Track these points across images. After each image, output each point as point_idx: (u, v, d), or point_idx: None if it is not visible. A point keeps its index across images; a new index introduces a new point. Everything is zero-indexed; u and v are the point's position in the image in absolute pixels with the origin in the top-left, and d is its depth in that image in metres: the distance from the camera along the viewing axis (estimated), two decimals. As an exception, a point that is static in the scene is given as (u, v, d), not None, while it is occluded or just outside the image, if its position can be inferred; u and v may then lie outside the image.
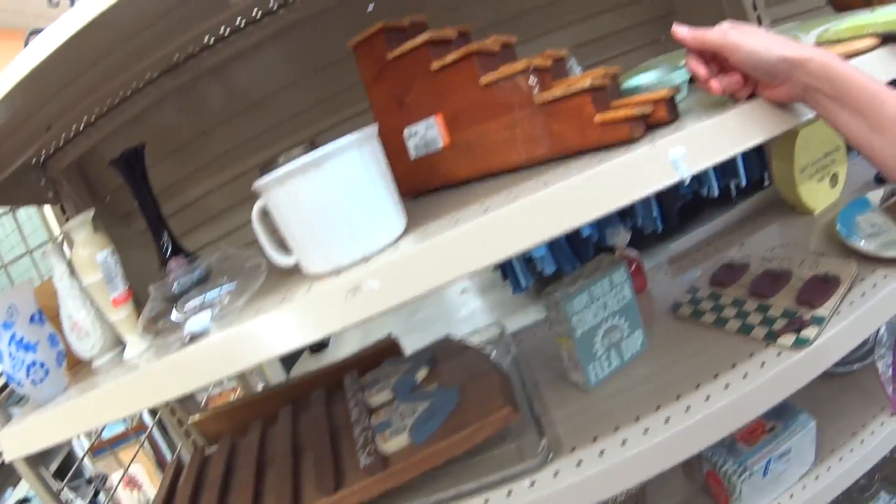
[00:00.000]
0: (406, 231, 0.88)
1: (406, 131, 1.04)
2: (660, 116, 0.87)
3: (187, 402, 1.57)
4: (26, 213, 2.33)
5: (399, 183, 0.95)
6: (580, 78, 0.87)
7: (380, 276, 0.78)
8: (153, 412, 1.83)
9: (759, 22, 1.50)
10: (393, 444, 1.06)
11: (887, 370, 1.31)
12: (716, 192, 2.29)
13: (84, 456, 2.23)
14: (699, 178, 2.68)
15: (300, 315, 0.80)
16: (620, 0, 1.63)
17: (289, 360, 2.50)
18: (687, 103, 1.02)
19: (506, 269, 1.83)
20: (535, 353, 1.40)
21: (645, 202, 2.55)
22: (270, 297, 0.88)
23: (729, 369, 1.07)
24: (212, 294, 0.89)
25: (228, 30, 1.33)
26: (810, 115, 0.90)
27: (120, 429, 2.44)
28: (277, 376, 2.34)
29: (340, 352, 2.04)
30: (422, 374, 1.25)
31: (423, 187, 1.07)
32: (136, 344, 1.00)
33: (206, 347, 0.82)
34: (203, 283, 0.93)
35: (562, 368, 1.22)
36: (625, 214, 1.71)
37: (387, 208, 0.85)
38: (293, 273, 0.93)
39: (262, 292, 0.94)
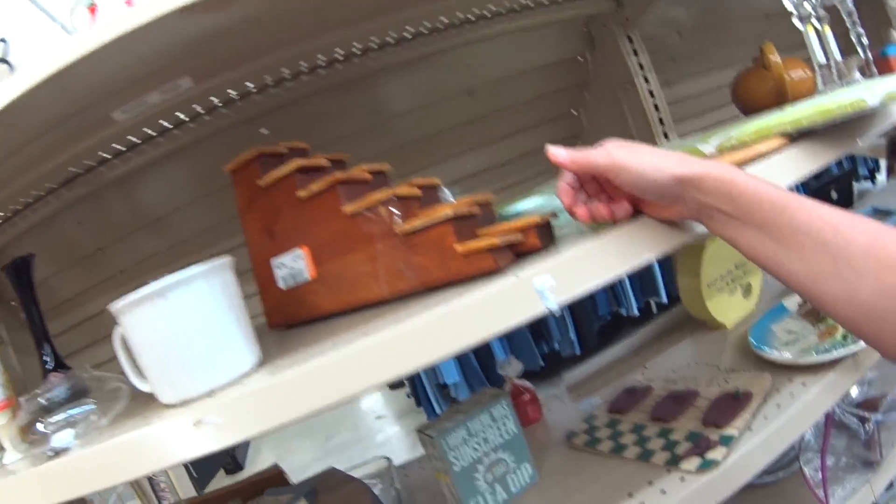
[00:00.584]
0: (261, 364, 0.83)
1: (273, 262, 0.98)
2: (532, 244, 0.83)
3: None
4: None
5: (270, 314, 0.97)
6: (443, 207, 0.82)
7: (223, 410, 0.73)
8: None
9: (667, 137, 1.48)
10: None
11: (816, 474, 1.27)
12: (635, 311, 2.28)
13: None
14: (617, 298, 2.69)
15: (149, 443, 0.75)
16: (528, 123, 1.62)
17: (203, 479, 2.42)
18: (572, 228, 0.97)
19: (419, 395, 1.77)
20: (422, 488, 1.33)
21: (561, 324, 2.54)
22: (133, 418, 0.84)
23: (624, 498, 1.00)
24: (75, 412, 0.88)
25: (121, 147, 1.31)
26: (701, 231, 0.85)
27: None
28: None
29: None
30: None
31: (294, 319, 1.01)
32: (12, 451, 0.95)
33: (69, 462, 0.78)
34: (73, 398, 0.92)
35: (446, 505, 1.16)
36: (539, 337, 1.66)
37: (236, 342, 0.81)
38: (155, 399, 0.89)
39: (129, 411, 0.90)
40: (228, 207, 1.41)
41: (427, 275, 0.82)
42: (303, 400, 0.72)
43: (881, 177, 4.13)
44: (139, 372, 0.84)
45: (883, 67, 1.33)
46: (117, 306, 0.78)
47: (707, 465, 1.00)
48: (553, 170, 0.84)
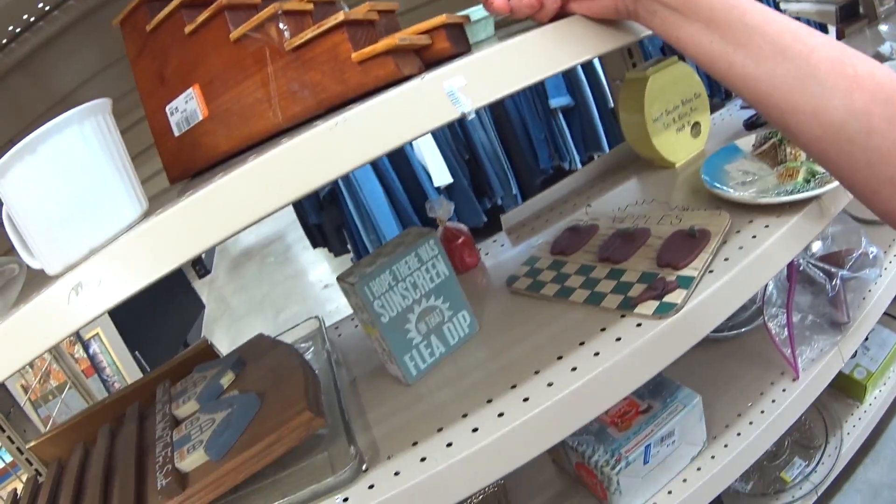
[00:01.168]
0: (147, 214, 0.74)
1: (168, 108, 0.89)
2: (441, 48, 0.74)
3: (26, 428, 1.45)
4: None
5: (169, 167, 0.91)
6: (335, 16, 0.72)
7: (102, 270, 0.66)
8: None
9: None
10: (190, 461, 0.92)
11: (782, 331, 1.22)
12: (578, 165, 2.21)
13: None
14: (559, 152, 2.66)
15: (30, 322, 0.68)
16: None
17: None
18: (494, 41, 0.88)
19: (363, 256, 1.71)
20: (355, 346, 1.26)
21: (502, 178, 2.53)
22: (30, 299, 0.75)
23: (576, 348, 0.93)
24: None
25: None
26: (636, 34, 0.78)
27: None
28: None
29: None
30: (228, 378, 1.11)
31: (192, 168, 0.93)
32: None
33: None
34: None
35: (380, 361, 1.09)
36: (481, 193, 1.58)
37: (115, 193, 0.72)
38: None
39: (25, 294, 0.81)
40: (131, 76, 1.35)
41: (323, 91, 0.73)
42: (186, 240, 0.66)
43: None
44: (28, 248, 0.76)
45: None
46: None
47: (665, 309, 0.93)
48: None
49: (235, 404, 0.98)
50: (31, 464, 1.41)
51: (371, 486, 0.85)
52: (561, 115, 2.58)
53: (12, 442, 1.43)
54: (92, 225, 0.70)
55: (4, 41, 1.24)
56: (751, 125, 1.44)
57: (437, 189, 2.62)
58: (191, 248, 0.65)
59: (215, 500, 0.88)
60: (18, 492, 1.26)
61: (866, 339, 1.53)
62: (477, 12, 0.88)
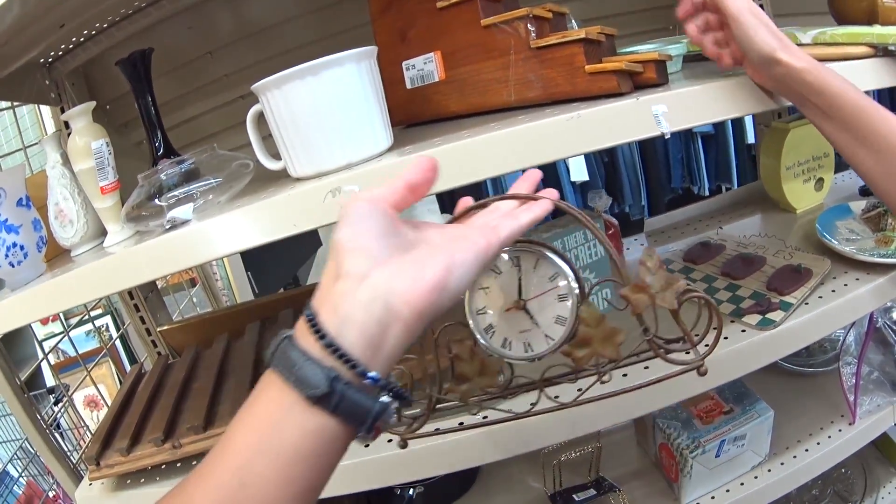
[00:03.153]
0: (391, 149, 0.91)
1: (405, 63, 1.06)
2: (649, 77, 0.90)
3: (158, 313, 1.58)
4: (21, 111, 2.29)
5: (393, 111, 0.98)
6: (576, 31, 0.89)
7: (360, 181, 0.81)
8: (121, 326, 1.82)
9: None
10: None
11: (851, 378, 1.33)
12: (707, 192, 2.31)
13: (39, 363, 2.22)
14: (691, 175, 2.73)
15: (280, 211, 0.83)
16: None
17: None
18: (680, 76, 1.05)
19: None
20: None
21: (635, 188, 2.60)
22: (254, 195, 0.90)
23: (674, 363, 1.08)
24: (196, 187, 0.92)
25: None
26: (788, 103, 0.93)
27: (92, 345, 2.45)
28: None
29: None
30: None
31: (416, 118, 1.10)
32: (117, 233, 1.02)
33: (184, 235, 0.85)
34: (190, 177, 0.95)
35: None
36: (612, 198, 1.73)
37: (375, 123, 0.88)
38: (280, 177, 0.95)
39: (247, 191, 0.96)
40: (333, 24, 1.48)
41: (554, 87, 0.91)
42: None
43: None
44: (267, 152, 0.92)
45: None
46: (266, 81, 0.84)
47: (766, 323, 1.09)
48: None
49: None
50: (155, 346, 1.56)
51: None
52: (700, 141, 2.66)
53: (143, 322, 1.56)
54: (352, 144, 0.87)
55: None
56: (865, 191, 1.56)
57: (573, 183, 2.66)
58: (435, 185, 0.80)
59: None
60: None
61: (923, 412, 1.65)
62: (674, 49, 1.05)
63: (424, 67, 1.03)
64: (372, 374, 0.49)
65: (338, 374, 0.48)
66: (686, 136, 2.59)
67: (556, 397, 0.80)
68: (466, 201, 0.71)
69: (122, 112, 1.51)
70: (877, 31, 0.99)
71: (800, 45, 1.02)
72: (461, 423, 0.90)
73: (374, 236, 0.53)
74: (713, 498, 1.25)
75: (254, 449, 0.49)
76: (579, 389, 0.78)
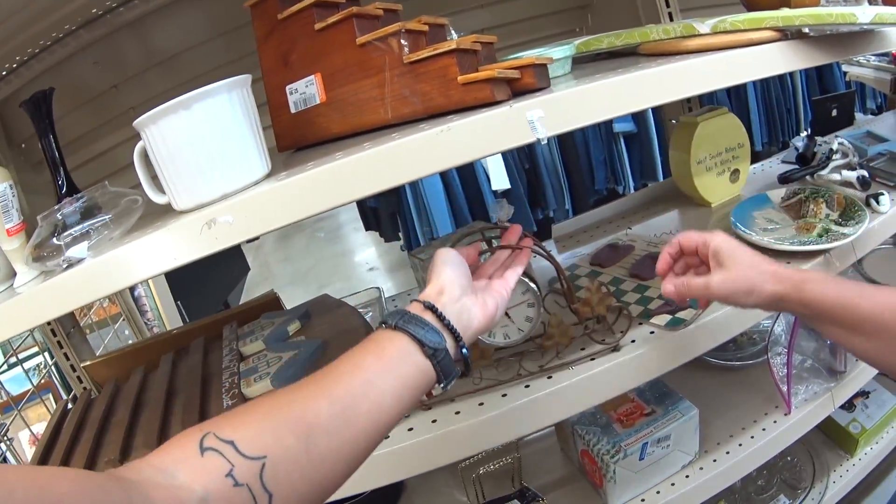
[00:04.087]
0: (270, 175, 0.90)
1: (288, 87, 1.04)
2: (528, 82, 0.89)
3: (82, 350, 1.57)
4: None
5: (280, 136, 1.06)
6: (448, 42, 0.88)
7: (234, 211, 0.80)
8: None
9: (671, 18, 1.51)
10: (256, 388, 1.08)
11: (782, 369, 1.34)
12: (631, 190, 2.31)
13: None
14: (615, 175, 2.76)
15: (163, 244, 0.82)
16: (539, -10, 1.64)
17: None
18: (569, 78, 1.04)
19: (413, 247, 1.84)
20: None
21: (557, 192, 2.61)
22: (144, 229, 0.89)
23: (594, 345, 1.09)
24: (90, 224, 0.92)
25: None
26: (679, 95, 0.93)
27: (26, 387, 2.41)
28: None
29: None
30: (294, 326, 1.27)
31: (302, 142, 1.09)
32: (24, 273, 1.01)
33: (82, 271, 0.85)
34: (87, 215, 0.95)
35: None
36: (536, 204, 1.72)
37: (249, 152, 0.87)
38: (168, 211, 0.94)
39: (138, 226, 0.96)
40: (239, 47, 1.47)
41: (430, 101, 0.89)
42: (307, 201, 0.80)
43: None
44: (155, 187, 0.91)
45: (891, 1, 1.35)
46: (143, 118, 0.83)
47: (676, 323, 1.09)
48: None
49: (302, 347, 1.14)
50: (80, 382, 1.55)
51: (410, 429, 1.02)
52: (623, 141, 2.68)
53: (67, 359, 1.55)
54: (227, 174, 0.85)
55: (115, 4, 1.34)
56: (785, 179, 1.55)
57: (494, 192, 2.70)
58: (309, 208, 0.80)
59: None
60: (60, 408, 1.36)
61: (867, 396, 1.66)
62: (558, 52, 1.04)
63: (306, 90, 1.02)
64: (465, 350, 0.79)
65: (445, 343, 0.75)
66: (608, 136, 2.62)
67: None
68: (477, 247, 0.97)
69: (35, 151, 1.49)
70: (782, 14, 0.98)
71: (698, 35, 1.01)
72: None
73: (463, 276, 0.84)
74: (643, 500, 1.24)
75: (379, 371, 0.70)
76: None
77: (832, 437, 1.65)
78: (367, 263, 5.17)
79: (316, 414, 0.64)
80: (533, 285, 1.02)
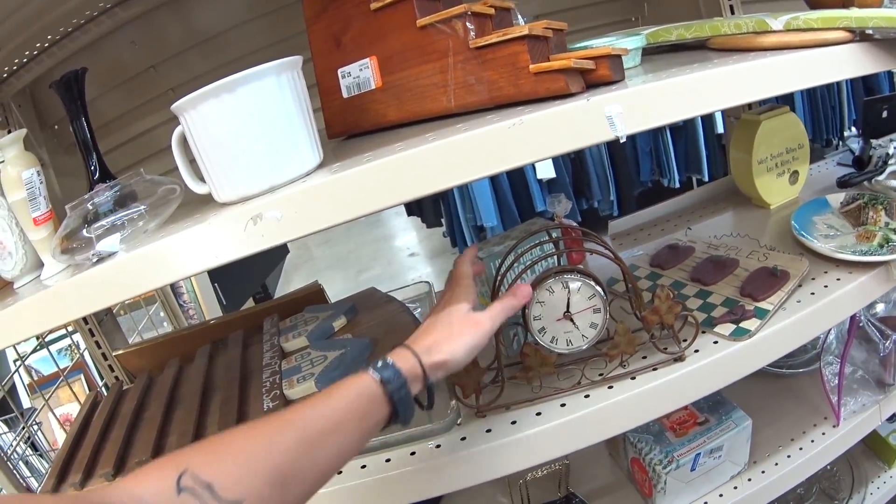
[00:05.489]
0: (321, 166, 0.83)
1: (340, 71, 0.99)
2: (602, 74, 0.83)
3: (114, 337, 1.53)
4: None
5: (331, 123, 1.00)
6: (519, 27, 0.81)
7: (283, 206, 0.74)
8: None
9: (732, 11, 1.44)
10: (299, 390, 1.04)
11: (833, 379, 1.28)
12: (677, 184, 2.25)
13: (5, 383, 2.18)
14: (661, 168, 2.70)
15: (203, 240, 0.76)
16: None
17: (232, 308, 2.44)
18: (640, 71, 0.97)
19: (455, 235, 1.79)
20: None
21: (603, 183, 2.57)
22: (181, 222, 0.84)
23: (657, 353, 1.03)
24: (123, 215, 0.87)
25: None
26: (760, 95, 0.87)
27: (65, 363, 2.40)
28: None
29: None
30: (340, 322, 1.22)
31: (354, 129, 1.03)
32: (52, 265, 0.97)
33: (113, 267, 0.80)
34: (120, 205, 0.90)
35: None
36: (580, 193, 1.66)
37: (299, 141, 0.81)
38: (208, 202, 0.89)
39: (175, 217, 0.90)
40: (281, 29, 1.43)
41: (497, 90, 0.83)
42: (365, 198, 0.74)
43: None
44: (195, 174, 0.85)
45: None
46: (181, 102, 0.77)
47: (740, 333, 1.02)
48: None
49: (349, 346, 1.09)
50: (112, 371, 1.52)
51: (463, 438, 0.96)
52: (668, 133, 2.63)
53: (99, 347, 1.52)
54: (275, 165, 0.79)
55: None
56: (843, 183, 1.48)
57: (539, 181, 2.63)
58: (367, 206, 0.74)
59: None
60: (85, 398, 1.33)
61: (911, 408, 1.59)
62: (630, 43, 0.98)
63: (360, 74, 0.96)
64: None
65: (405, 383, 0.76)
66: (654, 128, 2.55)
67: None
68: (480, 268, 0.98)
69: (70, 133, 1.45)
70: (854, 14, 0.91)
71: (771, 31, 0.95)
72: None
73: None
74: (690, 511, 1.20)
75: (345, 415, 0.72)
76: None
77: (872, 448, 1.60)
78: (408, 249, 5.08)
79: (293, 461, 0.65)
80: (599, 289, 0.97)
